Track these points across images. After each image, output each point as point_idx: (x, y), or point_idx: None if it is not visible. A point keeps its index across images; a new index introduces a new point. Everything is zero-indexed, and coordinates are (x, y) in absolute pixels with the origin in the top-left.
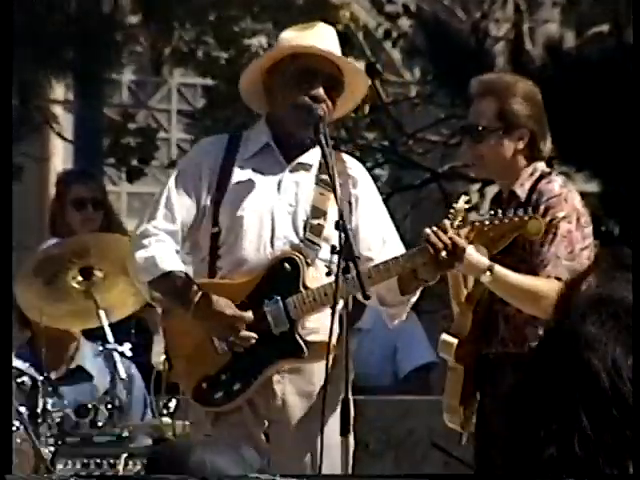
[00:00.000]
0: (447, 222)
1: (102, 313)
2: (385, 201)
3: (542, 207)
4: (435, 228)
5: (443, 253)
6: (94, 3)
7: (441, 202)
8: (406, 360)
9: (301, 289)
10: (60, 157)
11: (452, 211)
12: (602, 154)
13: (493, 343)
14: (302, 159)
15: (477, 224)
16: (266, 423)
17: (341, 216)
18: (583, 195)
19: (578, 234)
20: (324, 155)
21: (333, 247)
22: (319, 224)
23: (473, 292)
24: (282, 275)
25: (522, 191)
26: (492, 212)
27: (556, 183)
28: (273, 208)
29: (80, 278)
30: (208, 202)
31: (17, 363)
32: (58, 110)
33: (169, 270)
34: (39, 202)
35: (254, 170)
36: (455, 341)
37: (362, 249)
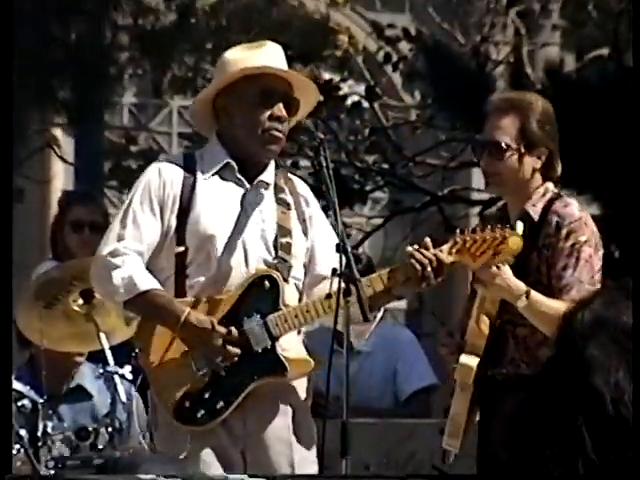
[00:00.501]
0: (428, 239)
1: (103, 336)
2: (384, 223)
3: (564, 231)
4: (416, 246)
5: (428, 269)
6: (94, 32)
7: (441, 225)
8: (406, 383)
9: (281, 306)
10: (61, 179)
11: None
12: (603, 177)
13: (502, 364)
14: (262, 177)
15: (458, 240)
16: (242, 443)
17: (342, 238)
18: None
19: (596, 258)
20: (324, 177)
21: (334, 270)
22: (287, 242)
23: (487, 313)
24: (261, 293)
25: (535, 212)
26: (473, 228)
27: (574, 206)
28: (241, 226)
29: (81, 301)
30: (173, 221)
31: (17, 386)
32: (59, 133)
33: (149, 289)
34: (40, 224)
35: (217, 189)
36: (475, 364)
37: (319, 267)
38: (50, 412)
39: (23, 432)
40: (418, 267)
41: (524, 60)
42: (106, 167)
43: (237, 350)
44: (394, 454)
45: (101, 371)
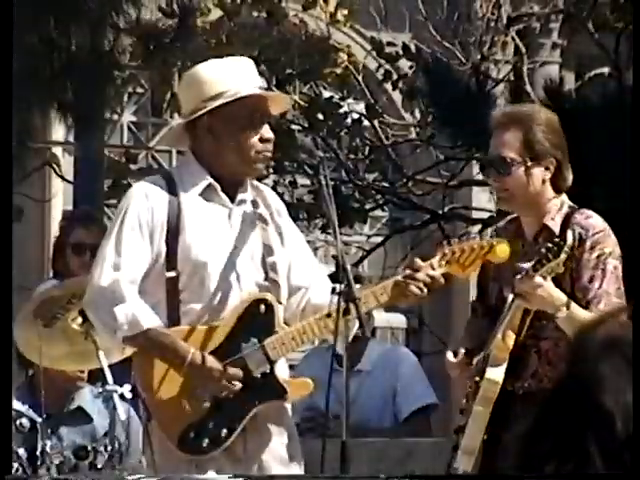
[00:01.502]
0: (418, 260)
1: (102, 354)
2: (384, 242)
3: (589, 242)
4: (409, 270)
5: (425, 290)
6: (92, 50)
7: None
8: (406, 402)
9: (277, 329)
10: (61, 198)
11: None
12: (602, 196)
13: (524, 378)
14: (243, 195)
15: (447, 251)
16: (243, 466)
17: (342, 256)
18: None
19: (620, 269)
20: (324, 195)
21: (333, 288)
22: (274, 261)
23: (511, 327)
24: (257, 317)
25: (554, 224)
26: (459, 238)
27: (597, 218)
28: (231, 249)
29: (80, 320)
30: (162, 246)
31: (16, 405)
32: (58, 151)
33: (152, 326)
34: (39, 243)
35: (203, 211)
36: (501, 379)
37: (293, 278)
38: (49, 431)
39: (22, 451)
40: (417, 292)
41: (524, 78)
42: (105, 185)
43: (239, 383)
44: (394, 473)
45: (100, 390)
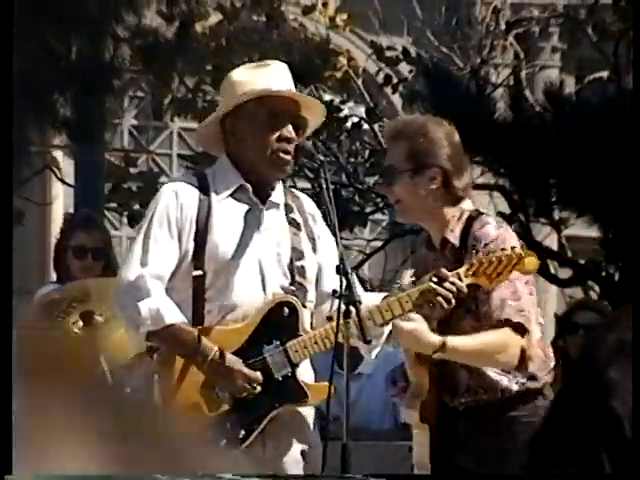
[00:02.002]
0: (444, 270)
1: (102, 358)
2: (384, 245)
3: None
4: (435, 279)
5: (453, 302)
6: (93, 54)
7: None
8: None
9: (301, 332)
10: (61, 202)
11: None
12: (602, 199)
13: (458, 394)
14: (273, 198)
15: (475, 262)
16: (261, 468)
17: (342, 260)
18: (584, 240)
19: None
20: (325, 199)
21: (334, 291)
22: (302, 265)
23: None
24: (280, 320)
25: (454, 237)
26: (486, 248)
27: (490, 226)
28: (258, 250)
29: (81, 323)
30: (190, 244)
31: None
32: (59, 155)
33: (175, 322)
34: (40, 246)
35: (233, 212)
36: (418, 405)
37: (325, 285)
38: None
39: None
40: (444, 303)
41: (523, 82)
42: (106, 189)
43: (260, 385)
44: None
45: None
